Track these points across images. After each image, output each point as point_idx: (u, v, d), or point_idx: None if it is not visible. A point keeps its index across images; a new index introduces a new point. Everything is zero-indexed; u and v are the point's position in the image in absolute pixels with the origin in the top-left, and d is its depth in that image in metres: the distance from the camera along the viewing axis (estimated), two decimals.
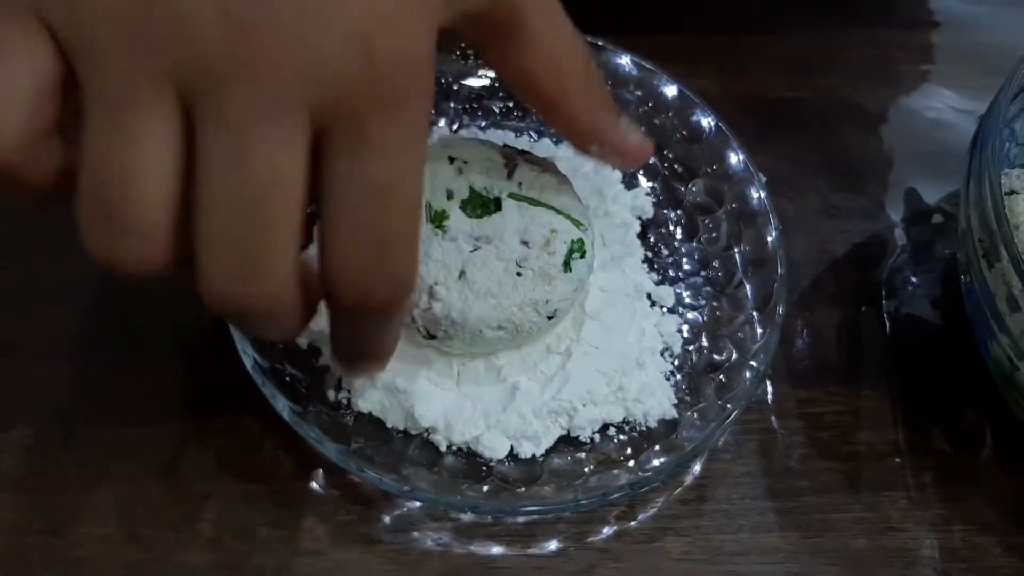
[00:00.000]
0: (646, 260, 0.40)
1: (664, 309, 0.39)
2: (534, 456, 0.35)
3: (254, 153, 0.22)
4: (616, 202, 0.41)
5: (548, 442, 0.35)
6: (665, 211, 0.42)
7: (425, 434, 0.35)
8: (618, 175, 0.42)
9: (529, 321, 0.33)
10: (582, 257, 0.34)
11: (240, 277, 0.23)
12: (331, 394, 0.35)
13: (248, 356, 0.34)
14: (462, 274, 0.32)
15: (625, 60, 0.42)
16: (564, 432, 0.36)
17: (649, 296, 0.39)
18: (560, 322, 0.35)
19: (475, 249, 0.33)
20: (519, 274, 0.33)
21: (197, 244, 0.23)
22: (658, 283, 0.40)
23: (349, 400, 0.35)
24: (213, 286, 0.23)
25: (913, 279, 0.42)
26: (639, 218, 0.41)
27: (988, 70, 0.45)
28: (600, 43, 0.42)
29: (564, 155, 0.40)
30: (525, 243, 0.33)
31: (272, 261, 0.23)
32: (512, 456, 0.35)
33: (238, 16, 0.21)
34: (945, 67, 0.50)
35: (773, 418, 0.39)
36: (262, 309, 0.23)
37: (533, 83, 0.29)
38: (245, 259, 0.23)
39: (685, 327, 0.39)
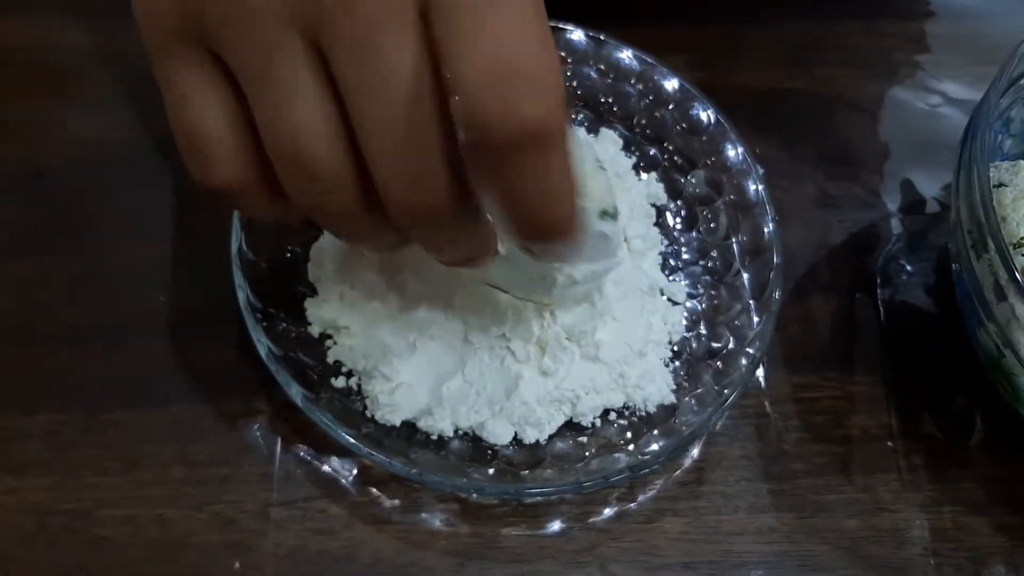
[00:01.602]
0: (662, 252, 0.41)
1: (672, 302, 0.40)
2: (537, 441, 0.36)
3: (382, 61, 0.22)
4: (631, 191, 0.42)
5: (552, 428, 0.37)
6: (666, 202, 0.43)
7: (431, 419, 0.36)
8: (630, 163, 0.43)
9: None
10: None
11: (421, 179, 0.23)
12: (341, 380, 0.37)
13: (262, 344, 0.35)
14: None
15: (626, 54, 0.43)
16: (567, 419, 0.37)
17: (661, 291, 0.40)
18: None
19: None
20: None
21: (370, 163, 0.23)
22: (670, 276, 0.41)
23: (359, 386, 0.36)
24: (399, 195, 0.24)
25: (908, 268, 0.43)
26: (653, 205, 0.42)
27: (985, 59, 0.46)
28: (601, 37, 0.43)
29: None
30: None
31: (442, 156, 0.23)
32: (516, 441, 0.36)
33: None
34: (942, 57, 0.50)
35: (769, 403, 0.40)
36: (443, 204, 0.24)
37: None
38: (419, 161, 0.23)
39: (685, 315, 0.40)
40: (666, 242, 0.42)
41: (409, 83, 0.22)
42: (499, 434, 0.36)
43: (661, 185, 0.43)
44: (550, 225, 0.24)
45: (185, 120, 0.25)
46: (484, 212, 0.26)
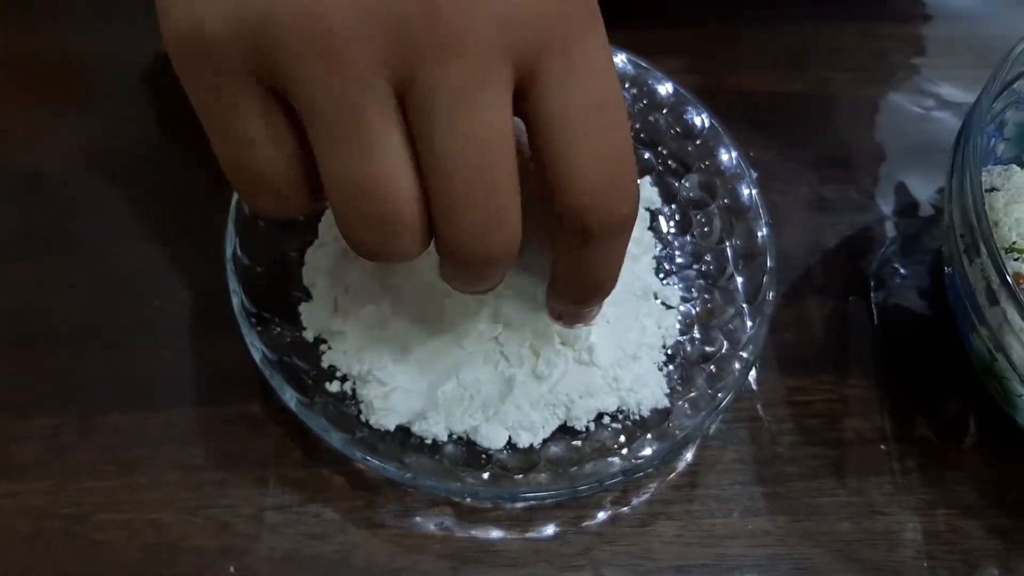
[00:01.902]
0: (656, 256, 0.41)
1: (666, 306, 0.40)
2: (531, 445, 0.36)
3: (476, 119, 0.23)
4: None
5: (546, 432, 0.37)
6: (660, 206, 0.43)
7: (425, 424, 0.36)
8: None
9: None
10: None
11: (487, 229, 0.24)
12: (335, 384, 0.37)
13: (257, 349, 0.35)
14: None
15: (620, 59, 0.43)
16: (561, 423, 0.37)
17: (655, 295, 0.40)
18: None
19: None
20: None
21: (441, 211, 0.24)
22: (664, 280, 0.41)
23: (354, 391, 0.37)
24: (464, 245, 0.25)
25: (902, 271, 0.44)
26: (647, 209, 0.42)
27: (980, 62, 0.46)
28: None
29: None
30: None
31: (509, 208, 0.25)
32: (510, 445, 0.36)
33: None
34: (937, 59, 0.50)
35: (763, 406, 0.40)
36: (506, 254, 0.25)
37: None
38: (488, 212, 0.24)
39: (678, 319, 0.40)
40: (660, 246, 0.42)
41: (497, 146, 0.23)
42: (493, 438, 0.36)
43: (655, 189, 0.43)
44: (596, 294, 0.29)
45: (248, 165, 0.25)
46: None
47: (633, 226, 0.27)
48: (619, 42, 0.43)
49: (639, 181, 0.43)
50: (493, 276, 0.27)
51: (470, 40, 0.22)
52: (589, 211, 0.25)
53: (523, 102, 0.24)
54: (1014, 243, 0.36)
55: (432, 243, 0.26)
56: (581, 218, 0.25)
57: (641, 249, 0.41)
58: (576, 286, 0.29)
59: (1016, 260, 0.36)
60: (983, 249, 0.33)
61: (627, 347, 0.38)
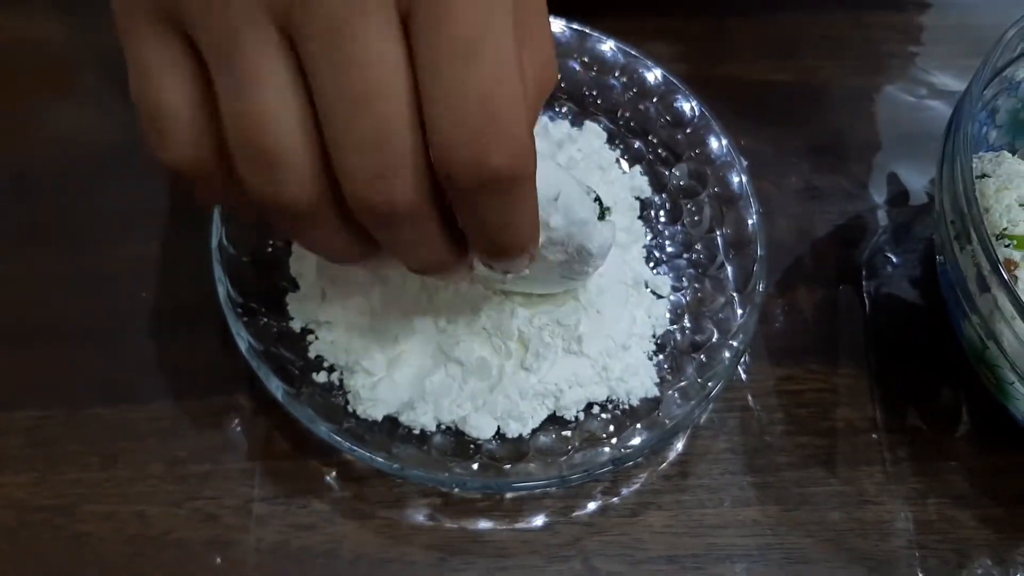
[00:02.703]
0: (646, 246, 0.41)
1: (656, 295, 0.40)
2: (520, 435, 0.36)
3: (355, 45, 0.22)
4: (615, 185, 0.42)
5: (535, 422, 0.36)
6: (650, 195, 0.43)
7: (413, 414, 0.36)
8: (614, 156, 0.42)
9: None
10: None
11: (383, 174, 0.23)
12: (323, 375, 0.36)
13: (243, 339, 0.35)
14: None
15: (609, 47, 0.42)
16: (550, 412, 0.37)
17: (646, 284, 0.40)
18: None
19: None
20: None
21: (333, 153, 0.23)
22: (654, 269, 0.41)
23: (341, 381, 0.36)
24: (359, 192, 0.23)
25: (893, 259, 0.43)
26: (637, 198, 0.42)
27: (972, 50, 0.45)
28: (585, 29, 0.42)
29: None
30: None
31: (406, 152, 0.23)
32: (499, 435, 0.36)
33: None
34: (929, 48, 0.50)
35: (754, 396, 0.40)
36: (412, 203, 0.23)
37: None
38: (381, 156, 0.23)
39: (668, 309, 0.40)
40: (650, 235, 0.42)
41: (381, 76, 0.22)
42: (482, 428, 0.36)
43: (645, 178, 0.43)
44: (508, 251, 0.26)
45: (146, 94, 0.24)
46: (451, 219, 0.26)
47: (520, 180, 0.24)
48: (610, 30, 0.43)
49: (630, 171, 0.43)
50: (413, 238, 0.25)
51: None
52: (451, 156, 0.23)
53: (407, 34, 0.23)
54: (1004, 229, 0.36)
55: None
56: (443, 163, 0.23)
57: (631, 238, 0.40)
58: (479, 243, 0.26)
59: (1007, 247, 0.35)
60: (974, 236, 0.33)
61: (617, 336, 0.38)
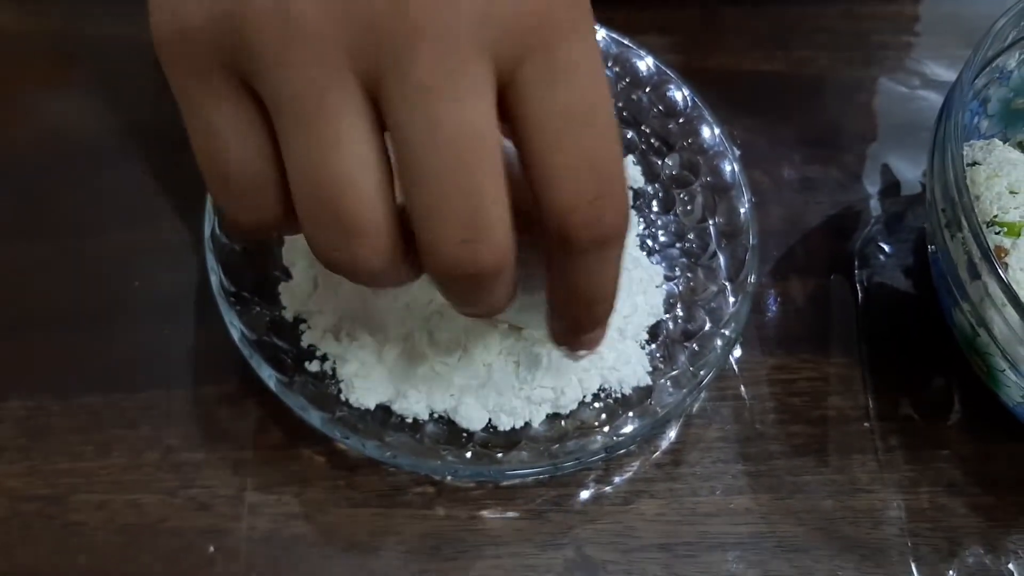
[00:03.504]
0: (639, 235, 0.41)
1: (654, 284, 0.40)
2: (513, 426, 0.36)
3: (449, 113, 0.21)
4: None
5: (535, 421, 0.36)
6: (643, 185, 0.43)
7: (405, 402, 0.36)
8: None
9: None
10: None
11: (468, 237, 0.22)
12: (315, 364, 0.36)
13: (236, 328, 0.35)
14: None
15: (601, 36, 0.42)
16: (548, 414, 0.37)
17: (642, 272, 0.40)
18: None
19: None
20: None
21: (418, 219, 0.23)
22: (649, 259, 0.41)
23: (334, 370, 0.36)
24: (445, 256, 0.23)
25: (886, 249, 0.43)
26: (631, 187, 0.42)
27: (965, 40, 0.45)
28: None
29: None
30: None
31: (494, 215, 0.23)
32: (491, 426, 0.36)
33: None
34: (922, 38, 0.50)
35: (746, 384, 0.40)
36: (495, 266, 0.23)
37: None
38: (469, 219, 0.22)
39: (662, 297, 0.40)
40: (643, 224, 0.42)
41: (475, 144, 0.22)
42: (472, 419, 0.36)
43: (639, 168, 0.43)
44: (592, 317, 0.27)
45: (216, 159, 0.24)
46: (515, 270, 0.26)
47: (624, 239, 0.25)
48: (602, 21, 0.42)
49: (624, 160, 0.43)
50: (489, 294, 0.25)
51: (441, 30, 0.21)
52: (571, 217, 0.23)
53: (507, 105, 0.23)
54: (995, 217, 0.36)
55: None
56: (563, 223, 0.23)
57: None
58: (568, 304, 0.27)
59: (997, 234, 0.36)
60: (964, 223, 0.33)
61: (613, 324, 0.37)
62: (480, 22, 0.21)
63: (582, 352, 0.30)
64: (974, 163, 0.37)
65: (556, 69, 0.22)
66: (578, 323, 0.28)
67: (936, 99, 0.48)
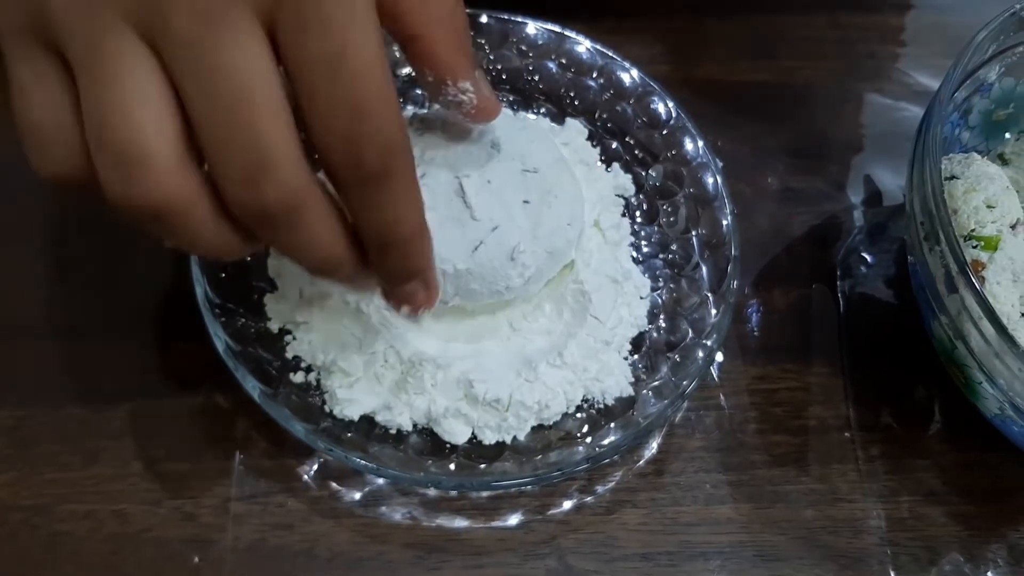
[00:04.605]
0: (632, 244, 0.41)
1: (639, 296, 0.40)
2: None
3: (215, 60, 0.23)
4: (599, 182, 0.42)
5: (520, 434, 0.37)
6: (632, 194, 0.43)
7: (389, 414, 0.36)
8: (596, 152, 0.43)
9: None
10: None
11: (254, 176, 0.24)
12: (300, 375, 0.37)
13: (220, 340, 0.35)
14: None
15: (585, 48, 0.43)
16: (536, 424, 0.37)
17: (632, 281, 0.40)
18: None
19: None
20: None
21: (207, 161, 0.24)
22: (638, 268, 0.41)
23: (318, 381, 0.37)
24: (234, 192, 0.24)
25: (868, 260, 0.44)
26: (622, 196, 0.42)
27: (948, 51, 0.45)
28: (564, 32, 0.43)
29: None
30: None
31: (276, 153, 0.23)
32: (474, 439, 0.36)
33: None
34: (906, 49, 0.51)
35: (728, 395, 0.40)
36: (285, 199, 0.24)
37: (399, 10, 0.29)
38: (250, 155, 0.23)
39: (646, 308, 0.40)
40: (634, 238, 0.42)
41: (245, 82, 0.23)
42: (456, 432, 0.36)
43: (629, 177, 0.43)
44: (398, 247, 0.27)
45: (22, 112, 0.25)
46: (342, 215, 0.26)
47: (398, 172, 0.25)
48: (588, 31, 0.43)
49: (610, 169, 0.43)
50: (297, 232, 0.25)
51: None
52: (330, 157, 0.25)
53: (276, 50, 0.24)
54: (972, 231, 0.36)
55: None
56: (325, 164, 0.25)
57: (619, 235, 0.41)
58: (369, 242, 0.27)
59: (974, 247, 0.36)
60: (942, 237, 0.33)
61: (599, 336, 0.38)
62: None
63: (406, 310, 0.30)
64: (952, 177, 0.38)
65: (307, 18, 0.23)
66: (383, 270, 0.28)
67: (920, 109, 0.48)
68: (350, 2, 0.24)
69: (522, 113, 0.44)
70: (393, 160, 0.25)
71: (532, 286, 0.36)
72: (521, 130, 0.36)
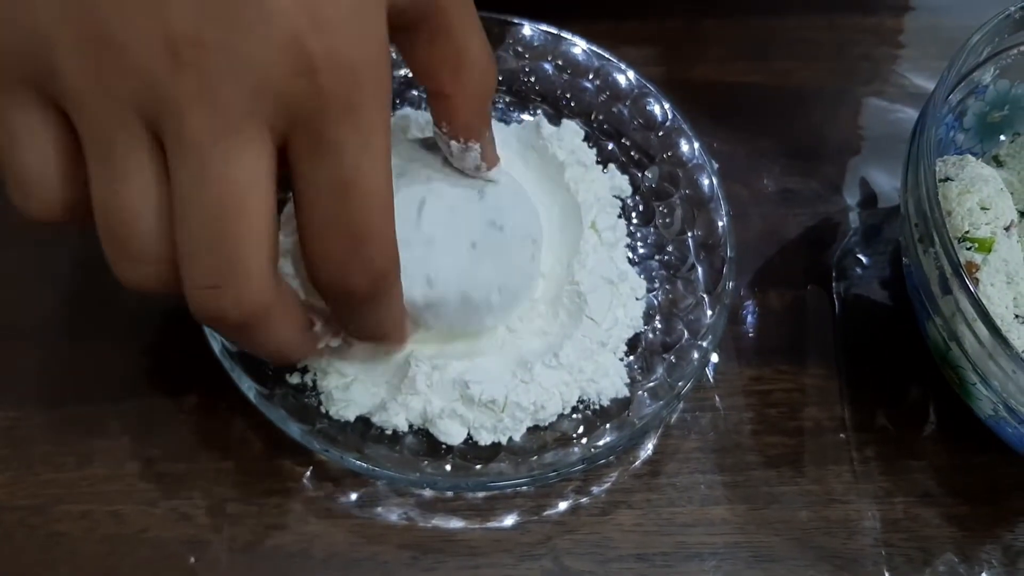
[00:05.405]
0: (628, 246, 0.41)
1: (635, 297, 0.40)
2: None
3: (215, 170, 0.24)
4: (596, 183, 0.42)
5: (515, 435, 0.37)
6: (628, 195, 0.43)
7: (385, 414, 0.36)
8: (593, 152, 0.43)
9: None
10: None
11: (216, 282, 0.25)
12: (296, 376, 0.37)
13: (216, 340, 0.35)
14: None
15: (581, 49, 0.43)
16: (532, 425, 0.37)
17: (628, 282, 0.40)
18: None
19: None
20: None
21: (180, 258, 0.25)
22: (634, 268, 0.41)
23: (314, 382, 0.37)
24: (195, 294, 0.25)
25: (864, 261, 0.44)
26: (619, 197, 0.43)
27: (944, 53, 0.45)
28: (560, 33, 0.43)
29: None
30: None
31: (246, 265, 0.25)
32: (470, 439, 0.36)
33: (177, 44, 0.23)
34: (902, 50, 0.51)
35: (724, 396, 0.40)
36: (242, 312, 0.25)
37: (431, 72, 0.31)
38: (219, 265, 0.24)
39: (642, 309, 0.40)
40: (627, 238, 0.42)
41: (236, 197, 0.24)
42: (451, 434, 0.36)
43: (625, 178, 0.43)
44: (379, 341, 0.33)
45: (13, 155, 0.25)
46: (303, 310, 0.29)
47: (384, 296, 0.28)
48: (584, 33, 0.43)
49: (606, 170, 0.43)
50: (253, 337, 0.27)
51: (212, 93, 0.23)
52: (318, 275, 0.27)
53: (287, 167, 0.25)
54: (966, 232, 0.36)
55: None
56: (314, 280, 0.27)
57: (616, 236, 0.41)
58: (351, 333, 0.32)
59: (968, 249, 0.36)
60: (936, 239, 0.33)
61: (595, 338, 0.38)
62: (253, 94, 0.23)
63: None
64: (946, 179, 0.38)
65: (320, 144, 0.24)
66: (356, 338, 0.33)
67: (915, 111, 0.48)
68: (367, 127, 0.25)
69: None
70: (383, 283, 0.27)
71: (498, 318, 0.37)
72: (514, 193, 0.37)
